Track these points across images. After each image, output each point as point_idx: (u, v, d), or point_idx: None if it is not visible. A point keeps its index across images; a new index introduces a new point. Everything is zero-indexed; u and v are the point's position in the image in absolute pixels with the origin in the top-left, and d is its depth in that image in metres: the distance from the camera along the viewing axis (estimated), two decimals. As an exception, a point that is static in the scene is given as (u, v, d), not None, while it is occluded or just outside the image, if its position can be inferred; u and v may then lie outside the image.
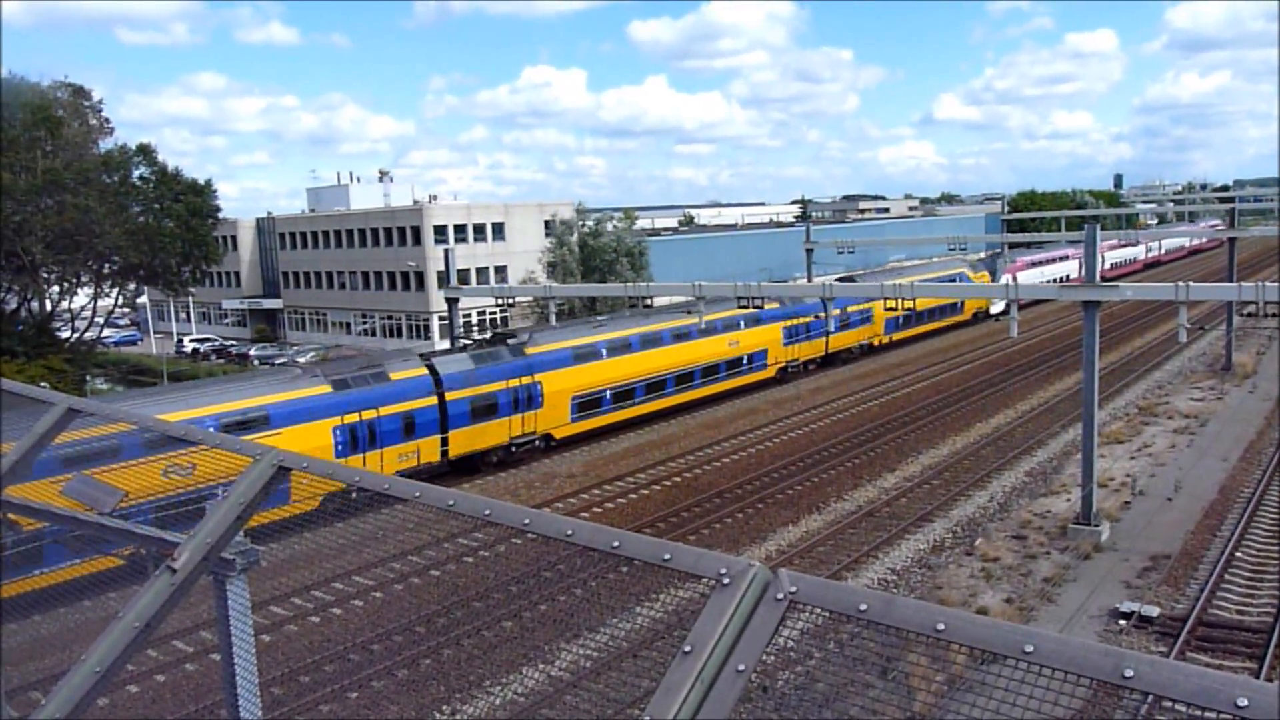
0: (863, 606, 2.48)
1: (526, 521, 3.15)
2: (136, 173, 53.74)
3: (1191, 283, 26.40)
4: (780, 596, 2.57)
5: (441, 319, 62.79)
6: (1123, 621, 21.64)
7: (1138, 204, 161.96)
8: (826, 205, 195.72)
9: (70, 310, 55.00)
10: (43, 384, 34.97)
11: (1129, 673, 2.15)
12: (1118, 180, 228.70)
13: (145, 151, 54.17)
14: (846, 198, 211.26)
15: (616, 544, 2.94)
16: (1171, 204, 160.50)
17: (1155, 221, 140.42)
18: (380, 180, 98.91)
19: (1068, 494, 30.59)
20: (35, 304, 52.72)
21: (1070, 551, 25.97)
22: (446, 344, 43.75)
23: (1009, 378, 49.84)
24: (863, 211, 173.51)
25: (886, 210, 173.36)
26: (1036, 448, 36.78)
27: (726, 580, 2.64)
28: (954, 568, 25.62)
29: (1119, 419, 40.70)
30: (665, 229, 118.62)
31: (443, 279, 44.76)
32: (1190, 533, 27.06)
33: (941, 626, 2.38)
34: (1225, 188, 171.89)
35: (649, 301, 46.27)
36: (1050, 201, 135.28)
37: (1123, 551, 26.03)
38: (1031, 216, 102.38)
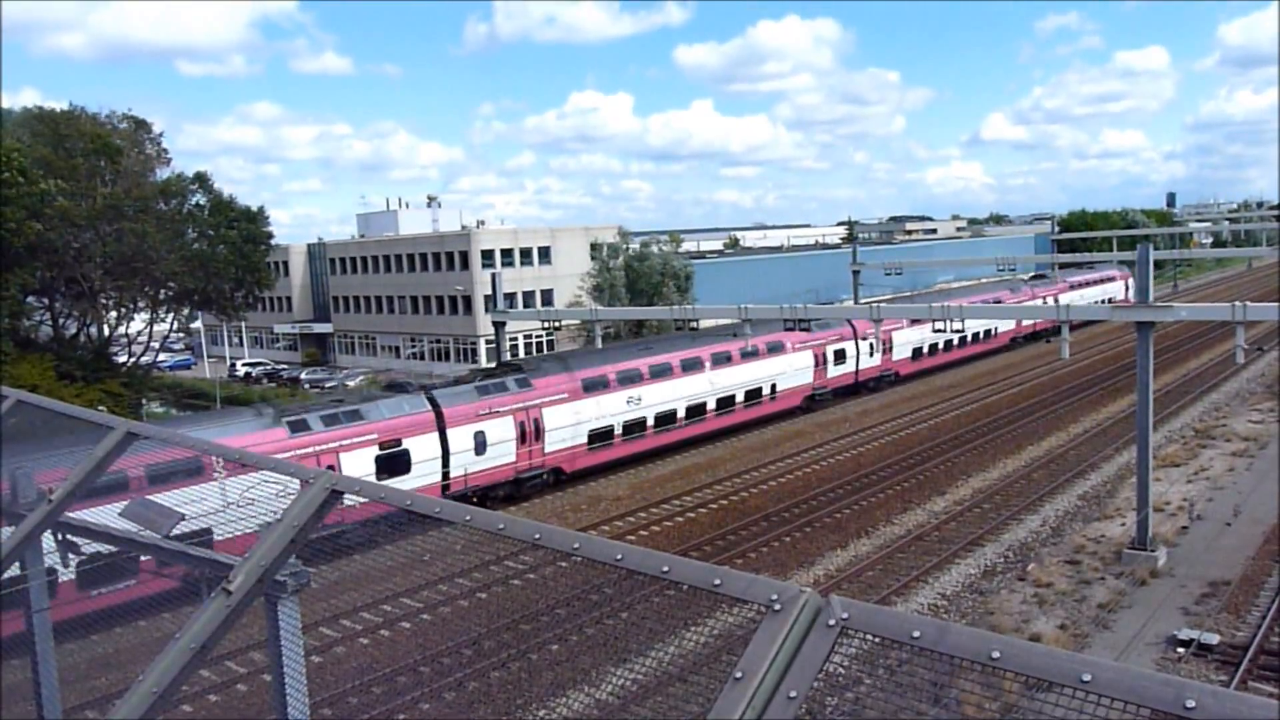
0: (915, 633, 2.45)
1: (576, 546, 3.15)
2: (192, 200, 54.92)
3: (1249, 303, 25.88)
4: (832, 623, 2.55)
5: (489, 342, 63.30)
6: (1181, 649, 21.13)
7: (1191, 223, 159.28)
8: (873, 227, 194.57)
9: (127, 335, 56.17)
10: (100, 407, 35.69)
11: (1190, 703, 2.11)
12: (1170, 199, 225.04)
13: (201, 179, 55.33)
14: (893, 219, 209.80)
15: (666, 569, 2.93)
16: (1227, 222, 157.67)
17: (1209, 241, 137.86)
18: (429, 206, 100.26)
19: (1122, 518, 29.99)
20: (94, 329, 53.91)
21: (1126, 577, 25.43)
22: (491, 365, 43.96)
23: (1060, 400, 49.05)
24: (910, 233, 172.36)
25: (934, 231, 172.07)
26: (1090, 471, 36.13)
27: (778, 606, 2.62)
28: (1006, 593, 25.21)
29: (1175, 441, 39.88)
30: (710, 252, 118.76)
31: (490, 303, 45.21)
32: (1251, 558, 26.38)
33: (996, 654, 2.35)
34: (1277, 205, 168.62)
35: (694, 324, 46.18)
36: (1101, 221, 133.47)
37: (1180, 577, 25.44)
38: (1082, 236, 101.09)
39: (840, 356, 51.28)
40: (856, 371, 52.72)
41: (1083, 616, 23.32)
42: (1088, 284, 72.60)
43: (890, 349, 54.42)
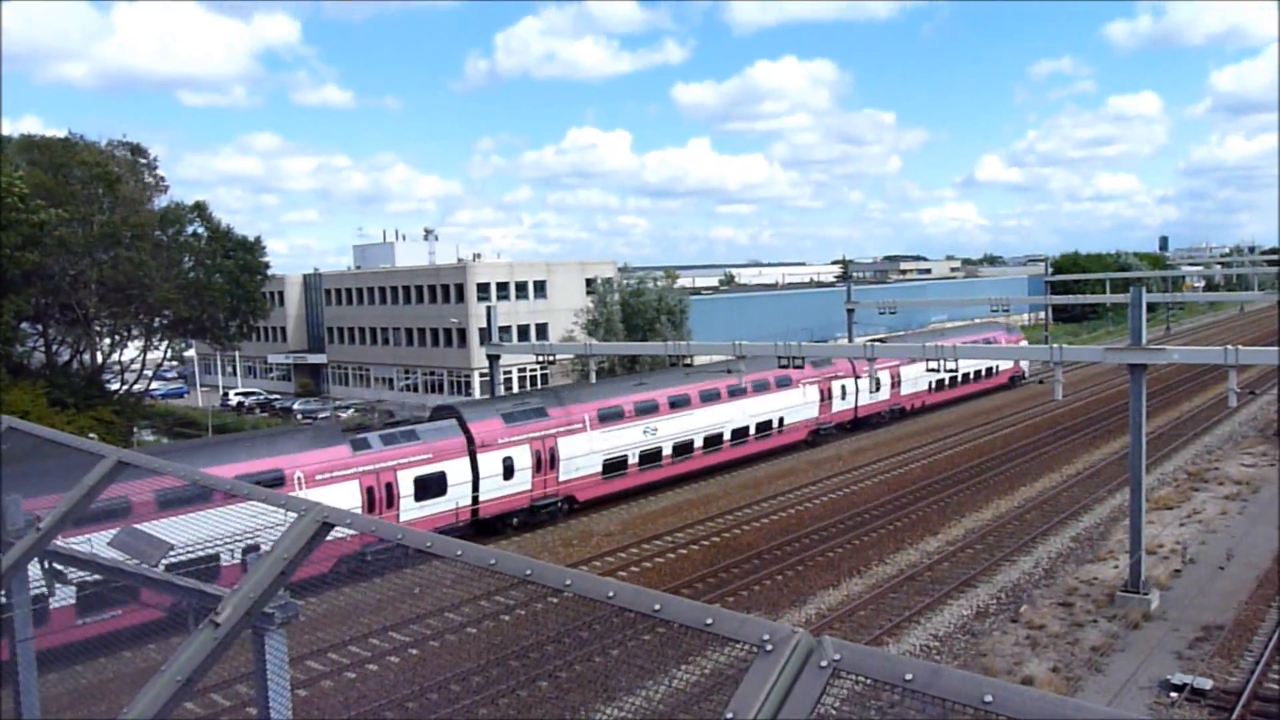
0: (908, 676, 2.44)
1: (568, 582, 3.14)
2: (190, 229, 55.08)
3: (1241, 346, 25.99)
4: (824, 664, 2.54)
5: (483, 375, 63.25)
6: (1174, 694, 21.00)
7: (1184, 266, 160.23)
8: (868, 266, 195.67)
9: (120, 363, 56.06)
10: (91, 435, 35.54)
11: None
12: (1163, 243, 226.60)
13: (198, 208, 55.55)
14: (888, 258, 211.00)
15: (658, 607, 2.92)
16: (1219, 266, 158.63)
17: (1202, 284, 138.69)
18: (425, 238, 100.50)
19: (1115, 560, 29.91)
20: (87, 356, 53.82)
21: (1119, 620, 25.32)
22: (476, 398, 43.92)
23: (1054, 441, 49.10)
24: (904, 272, 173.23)
25: (928, 271, 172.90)
26: (1083, 513, 36.07)
27: (770, 647, 2.61)
28: (998, 635, 25.07)
29: (1168, 484, 39.87)
30: (706, 288, 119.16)
31: (485, 336, 45.20)
32: (1244, 603, 26.29)
33: (989, 698, 2.34)
34: (1274, 250, 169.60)
35: (688, 360, 46.21)
36: (1095, 264, 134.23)
37: (1173, 621, 25.34)
38: (1076, 279, 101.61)
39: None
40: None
41: (1075, 659, 23.19)
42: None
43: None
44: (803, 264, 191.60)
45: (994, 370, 65.47)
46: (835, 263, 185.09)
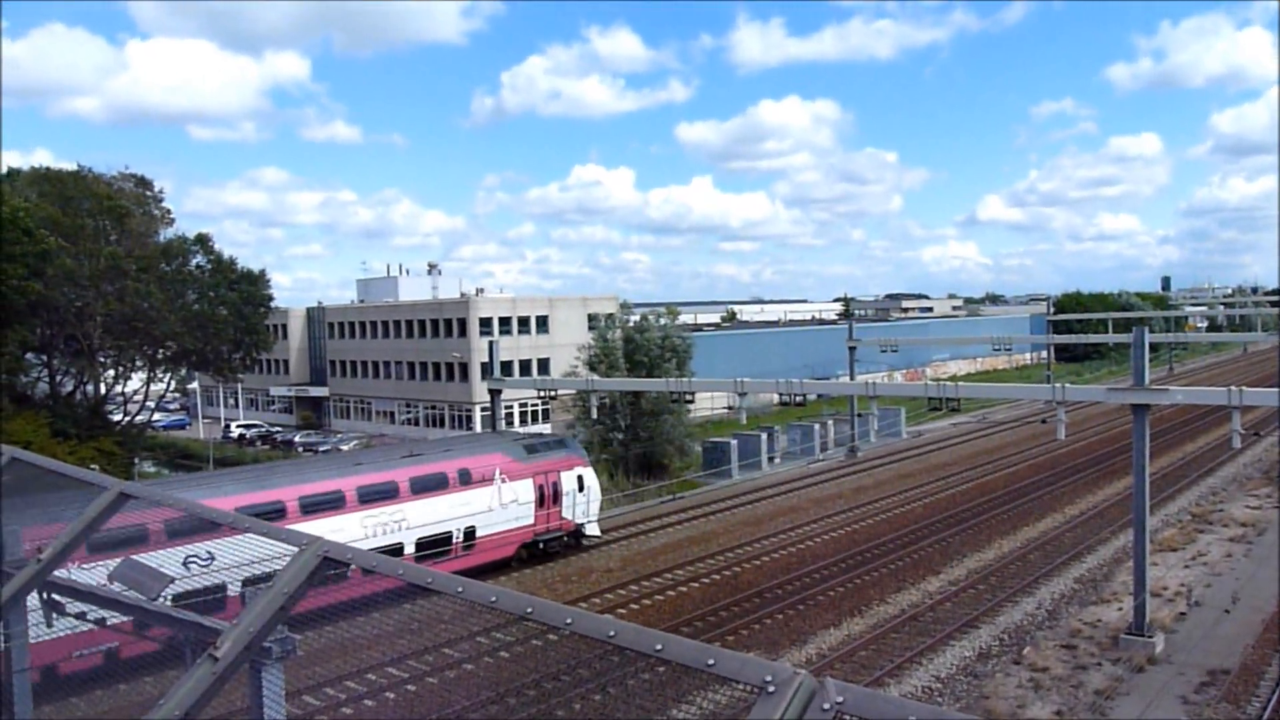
0: (911, 719, 2.42)
1: (569, 621, 3.12)
2: (194, 261, 55.32)
3: (1245, 388, 25.95)
4: (826, 707, 2.52)
5: (484, 410, 63.24)
6: (1180, 739, 20.77)
7: (1187, 307, 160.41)
8: (869, 304, 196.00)
9: (123, 394, 56.10)
10: (93, 466, 35.48)
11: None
12: (1165, 283, 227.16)
13: (203, 241, 55.82)
14: (890, 296, 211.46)
15: (659, 646, 2.90)
16: (1222, 307, 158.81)
17: (1205, 325, 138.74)
18: (429, 273, 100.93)
19: (1119, 603, 29.69)
20: (90, 387, 53.86)
21: (1123, 663, 25.10)
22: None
23: (1056, 481, 48.92)
24: (906, 310, 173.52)
25: (930, 310, 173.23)
26: (1086, 553, 35.86)
27: (772, 689, 2.59)
28: (1001, 677, 24.83)
29: (1172, 526, 39.66)
30: (708, 325, 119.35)
31: (486, 370, 45.23)
32: (1250, 646, 26.05)
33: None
34: (1277, 291, 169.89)
35: (689, 397, 46.16)
36: (1097, 303, 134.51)
37: (1178, 664, 25.11)
38: (1078, 318, 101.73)
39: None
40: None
41: (1079, 703, 22.96)
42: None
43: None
44: (804, 301, 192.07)
45: None
46: (837, 300, 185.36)
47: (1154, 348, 75.08)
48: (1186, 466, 52.18)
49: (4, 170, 52.19)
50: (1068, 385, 30.35)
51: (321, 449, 66.03)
